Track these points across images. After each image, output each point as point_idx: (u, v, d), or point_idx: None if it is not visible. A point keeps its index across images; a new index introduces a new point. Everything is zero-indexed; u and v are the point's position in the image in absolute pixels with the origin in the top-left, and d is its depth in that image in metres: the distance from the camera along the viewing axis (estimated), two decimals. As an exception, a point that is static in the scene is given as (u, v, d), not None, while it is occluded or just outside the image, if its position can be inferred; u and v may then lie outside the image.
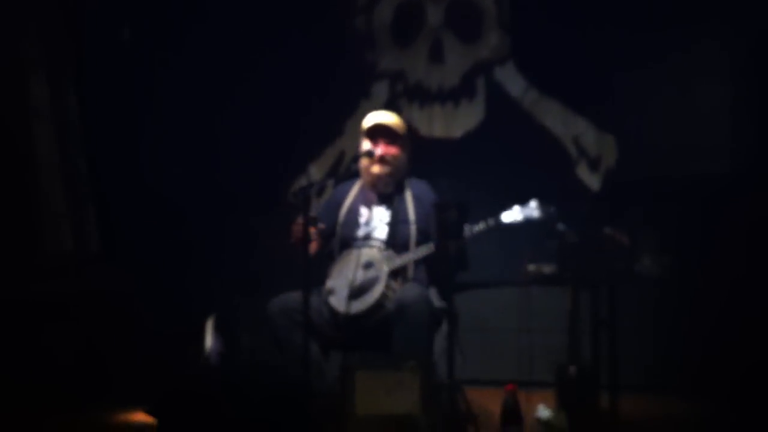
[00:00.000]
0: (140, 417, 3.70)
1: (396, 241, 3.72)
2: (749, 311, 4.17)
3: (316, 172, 5.04)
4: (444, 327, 3.52)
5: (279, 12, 4.93)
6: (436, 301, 3.61)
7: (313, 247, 3.70)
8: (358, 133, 3.89)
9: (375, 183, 3.81)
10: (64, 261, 4.50)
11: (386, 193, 3.82)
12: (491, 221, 3.61)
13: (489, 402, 3.79)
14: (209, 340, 4.22)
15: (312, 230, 3.60)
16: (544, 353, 4.07)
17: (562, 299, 3.89)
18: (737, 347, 4.15)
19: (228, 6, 4.96)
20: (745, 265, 4.22)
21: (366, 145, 3.80)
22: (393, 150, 3.79)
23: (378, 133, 3.79)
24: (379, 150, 3.77)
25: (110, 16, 4.88)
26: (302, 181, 4.95)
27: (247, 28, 4.97)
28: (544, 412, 3.86)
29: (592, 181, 4.71)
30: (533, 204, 3.62)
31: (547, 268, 3.65)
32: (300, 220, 3.59)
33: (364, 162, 3.81)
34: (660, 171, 4.48)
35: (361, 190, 3.88)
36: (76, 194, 4.63)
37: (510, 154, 4.71)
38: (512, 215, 3.63)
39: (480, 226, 3.60)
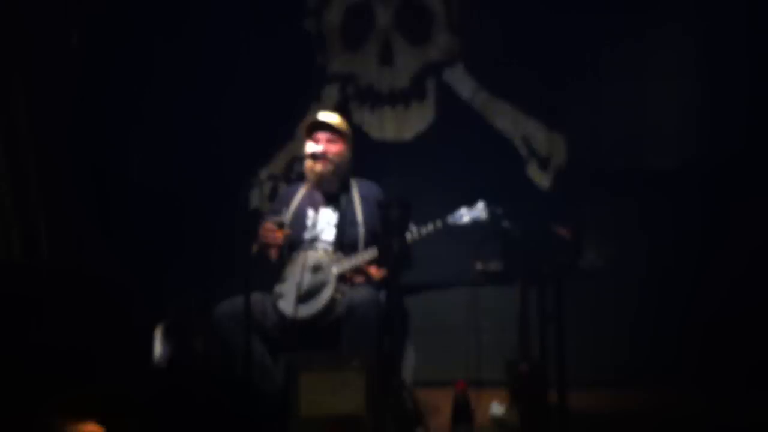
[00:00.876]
0: (90, 428, 3.66)
1: (344, 242, 3.72)
2: (696, 302, 4.22)
3: (265, 178, 5.02)
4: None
5: (229, 15, 4.91)
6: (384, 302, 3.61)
7: (275, 253, 3.71)
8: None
9: (319, 181, 3.80)
10: (12, 269, 4.43)
11: (333, 194, 3.81)
12: (438, 223, 3.62)
13: (440, 402, 3.81)
14: (158, 347, 4.20)
15: (279, 235, 3.64)
16: (494, 352, 4.09)
17: (511, 297, 3.92)
18: (684, 339, 4.20)
19: (180, 9, 4.92)
20: (693, 257, 4.28)
21: (310, 146, 3.80)
22: (334, 148, 3.79)
23: (319, 131, 3.80)
24: (321, 147, 3.78)
25: (59, 20, 4.82)
26: (257, 191, 4.92)
27: (199, 31, 4.93)
28: (497, 409, 3.89)
29: (542, 180, 4.75)
30: (480, 205, 3.64)
31: (494, 265, 3.67)
32: (268, 225, 3.61)
33: (308, 163, 3.80)
34: (608, 167, 4.53)
35: (308, 192, 3.87)
36: (26, 202, 4.56)
37: (461, 155, 4.73)
38: (459, 217, 3.65)
39: (428, 228, 3.61)
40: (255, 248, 3.74)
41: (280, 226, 3.67)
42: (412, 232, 3.56)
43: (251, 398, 3.27)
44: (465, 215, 3.64)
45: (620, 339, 4.44)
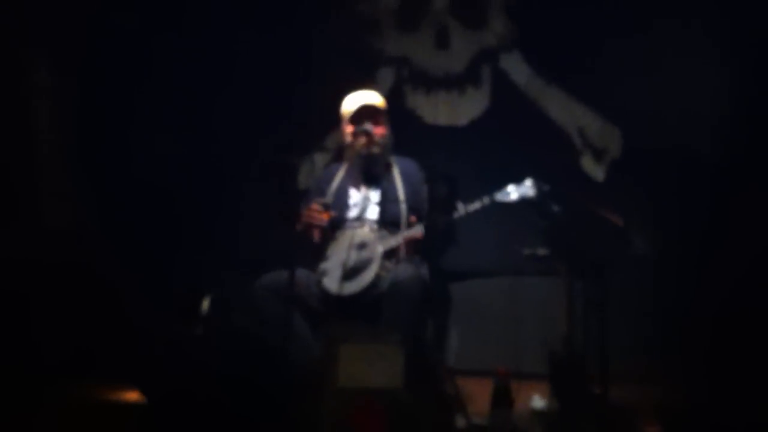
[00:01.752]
0: (132, 395, 3.70)
1: (387, 220, 3.70)
2: (747, 299, 4.11)
3: (321, 159, 5.03)
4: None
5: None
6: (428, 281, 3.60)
7: (318, 234, 3.72)
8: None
9: (366, 164, 3.79)
10: (60, 237, 4.51)
11: (375, 173, 3.80)
12: (486, 199, 3.59)
13: (480, 390, 3.77)
14: (203, 319, 4.23)
15: (325, 216, 3.65)
16: (536, 343, 4.04)
17: (555, 288, 3.87)
18: (730, 335, 4.09)
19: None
20: (743, 250, 4.16)
21: (352, 127, 3.79)
22: (380, 129, 3.79)
23: (363, 114, 3.79)
24: (368, 129, 3.76)
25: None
26: (307, 167, 4.94)
27: (252, 13, 4.96)
28: (538, 402, 3.84)
29: (596, 172, 4.67)
30: (528, 182, 3.60)
31: (542, 251, 3.63)
32: (314, 206, 3.64)
33: (350, 143, 3.80)
34: (662, 158, 4.44)
35: (348, 172, 3.87)
36: (73, 174, 4.64)
37: (514, 143, 4.68)
38: (506, 193, 3.61)
39: (475, 205, 3.58)
40: (299, 227, 3.76)
41: (326, 207, 3.68)
42: (459, 209, 3.53)
43: (287, 369, 3.28)
44: (513, 192, 3.60)
45: (664, 332, 4.34)
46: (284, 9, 4.92)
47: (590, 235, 3.54)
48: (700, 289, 4.25)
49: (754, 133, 4.32)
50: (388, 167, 3.82)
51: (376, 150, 3.76)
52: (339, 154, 4.88)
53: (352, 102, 3.84)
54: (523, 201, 3.58)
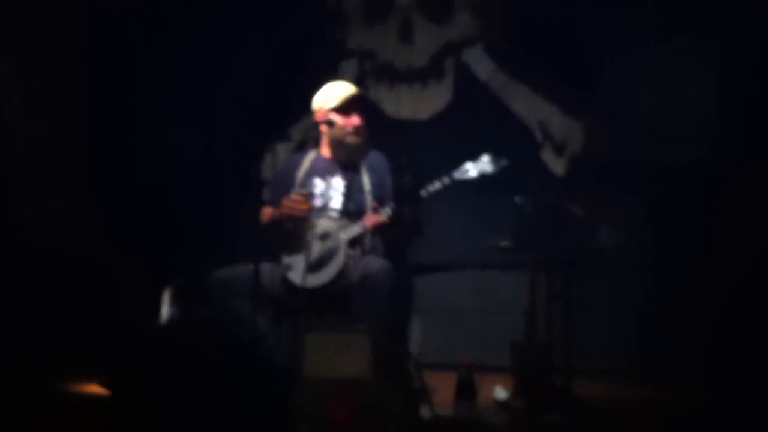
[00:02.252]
0: (94, 388, 3.65)
1: (351, 209, 3.69)
2: (710, 295, 4.18)
3: (283, 150, 5.00)
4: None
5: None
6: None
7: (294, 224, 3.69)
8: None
9: (350, 154, 3.77)
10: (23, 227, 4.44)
11: (355, 163, 3.79)
12: (445, 179, 3.59)
13: (444, 383, 3.77)
14: (165, 311, 4.18)
15: (305, 207, 3.63)
16: (500, 336, 4.07)
17: (519, 282, 3.89)
18: (697, 331, 4.16)
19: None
20: (702, 253, 4.24)
21: (336, 117, 3.77)
22: (363, 120, 3.78)
23: (353, 103, 3.77)
24: (356, 121, 3.75)
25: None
26: (268, 159, 4.90)
27: (214, 5, 4.92)
28: (501, 393, 3.87)
29: (556, 165, 4.71)
30: (485, 158, 3.60)
31: (504, 242, 3.64)
32: (295, 196, 3.61)
33: (330, 132, 3.78)
34: (623, 156, 4.49)
35: (314, 162, 3.85)
36: (46, 162, 4.57)
37: (477, 136, 4.69)
38: (465, 171, 3.61)
39: (435, 185, 3.58)
40: (267, 218, 3.73)
41: (307, 197, 3.65)
42: (421, 193, 3.53)
43: (252, 362, 3.26)
44: (471, 169, 3.60)
45: (626, 328, 4.40)
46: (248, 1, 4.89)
47: (553, 227, 3.56)
48: (664, 283, 4.31)
49: (725, 130, 4.40)
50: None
51: (357, 141, 3.75)
52: (303, 143, 4.88)
53: (336, 92, 3.81)
54: (481, 177, 3.57)
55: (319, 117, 3.81)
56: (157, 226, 4.75)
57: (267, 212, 3.78)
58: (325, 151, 3.85)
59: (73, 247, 4.53)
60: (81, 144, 4.76)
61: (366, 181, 3.75)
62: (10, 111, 4.50)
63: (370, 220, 3.59)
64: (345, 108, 3.77)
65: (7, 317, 4.15)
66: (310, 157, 3.87)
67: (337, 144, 3.79)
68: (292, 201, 3.63)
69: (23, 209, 4.51)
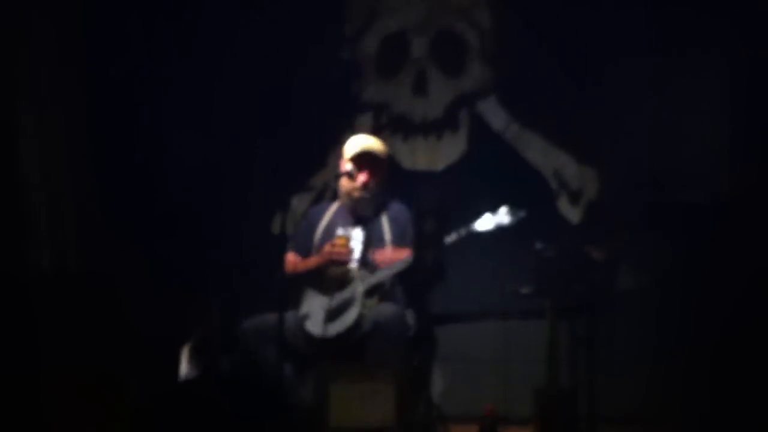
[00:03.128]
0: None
1: (370, 260, 3.71)
2: (736, 337, 4.14)
3: (298, 204, 5.03)
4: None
5: (263, 40, 4.96)
6: (411, 320, 3.59)
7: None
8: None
9: (355, 206, 3.83)
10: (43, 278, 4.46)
11: (361, 215, 3.83)
12: (462, 230, 3.61)
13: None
14: (185, 367, 4.18)
15: (349, 251, 3.68)
16: (522, 386, 4.05)
17: (541, 330, 3.88)
18: (723, 376, 4.11)
19: (214, 32, 4.99)
20: (731, 289, 4.21)
21: (348, 166, 3.82)
22: (377, 177, 3.82)
23: (363, 159, 3.82)
24: (363, 177, 3.79)
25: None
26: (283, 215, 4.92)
27: (234, 53, 4.99)
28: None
29: (572, 214, 4.73)
30: (503, 210, 3.63)
31: (525, 289, 3.65)
32: (337, 240, 3.68)
33: (344, 183, 3.83)
34: (639, 200, 4.50)
35: (337, 212, 3.90)
36: (59, 212, 4.60)
37: (492, 186, 4.72)
38: (483, 223, 3.63)
39: (452, 237, 3.60)
40: (303, 265, 3.77)
41: (347, 243, 3.70)
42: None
43: (279, 413, 3.24)
44: (488, 221, 3.62)
45: (651, 374, 4.36)
46: (264, 53, 4.95)
47: (574, 271, 3.57)
48: (689, 324, 4.28)
49: (737, 169, 4.41)
50: (378, 210, 3.84)
51: (361, 194, 3.79)
52: (322, 193, 4.92)
53: (353, 145, 3.87)
54: (499, 229, 3.59)
55: (341, 167, 3.87)
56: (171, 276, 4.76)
57: (294, 260, 3.81)
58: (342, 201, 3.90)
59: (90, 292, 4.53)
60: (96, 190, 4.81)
61: (387, 230, 3.78)
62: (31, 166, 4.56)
63: (381, 255, 3.63)
64: (356, 161, 3.82)
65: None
66: (332, 208, 3.92)
67: (345, 196, 3.85)
68: (336, 246, 3.67)
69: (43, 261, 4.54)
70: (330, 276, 3.68)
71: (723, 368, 4.08)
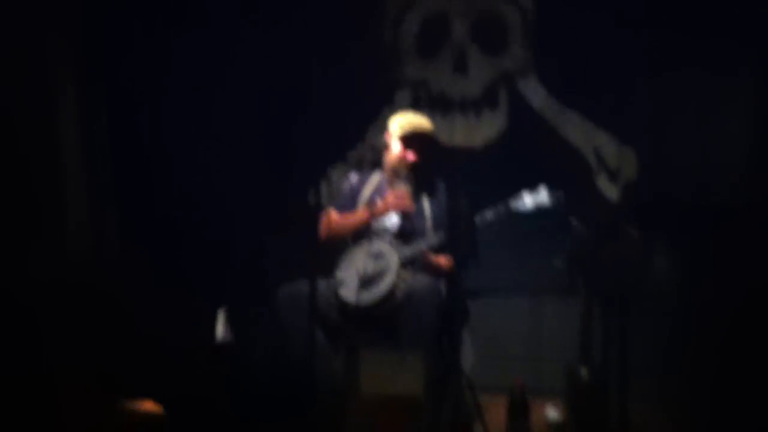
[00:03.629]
0: (148, 406, 3.72)
1: (407, 232, 3.75)
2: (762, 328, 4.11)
3: (337, 177, 5.08)
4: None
5: (309, 16, 5.01)
6: (445, 293, 3.63)
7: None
8: (383, 134, 3.99)
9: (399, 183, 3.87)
10: (84, 267, 4.56)
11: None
12: (501, 208, 3.64)
13: (497, 404, 3.78)
14: (221, 331, 4.26)
15: (411, 203, 3.72)
16: (554, 363, 4.06)
17: (575, 307, 3.89)
18: (748, 363, 4.08)
19: (255, 5, 5.04)
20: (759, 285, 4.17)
21: (396, 145, 3.85)
22: (424, 157, 3.85)
23: (414, 139, 3.85)
24: (411, 157, 3.83)
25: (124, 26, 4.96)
26: (323, 187, 4.99)
27: (280, 32, 5.05)
28: (553, 413, 3.85)
29: (611, 192, 4.72)
30: (543, 191, 3.64)
31: (559, 263, 3.66)
32: (401, 192, 3.76)
33: (391, 159, 3.87)
34: (674, 191, 4.48)
35: (380, 184, 3.94)
36: (99, 201, 4.71)
37: (531, 164, 4.73)
38: (521, 202, 3.65)
39: (490, 214, 3.63)
40: (334, 224, 3.83)
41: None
42: (477, 222, 3.59)
43: (310, 381, 3.30)
44: (527, 200, 3.64)
45: (682, 355, 4.35)
46: (308, 30, 5.00)
47: (609, 248, 3.57)
48: (721, 312, 4.25)
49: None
50: (420, 189, 3.88)
51: (411, 176, 3.84)
52: (359, 165, 4.96)
53: (404, 122, 3.90)
54: (538, 209, 3.61)
55: (386, 139, 3.91)
56: (202, 248, 4.84)
57: (337, 216, 3.86)
58: (386, 174, 3.94)
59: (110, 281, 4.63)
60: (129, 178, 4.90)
61: (426, 206, 3.82)
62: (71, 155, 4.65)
63: (444, 262, 3.67)
64: (406, 140, 3.85)
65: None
66: (374, 180, 3.96)
67: (391, 171, 3.89)
68: (400, 197, 3.73)
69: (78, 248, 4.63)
70: (368, 244, 3.72)
71: (749, 352, 4.06)
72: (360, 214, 3.84)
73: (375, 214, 3.78)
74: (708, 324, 4.31)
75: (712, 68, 4.54)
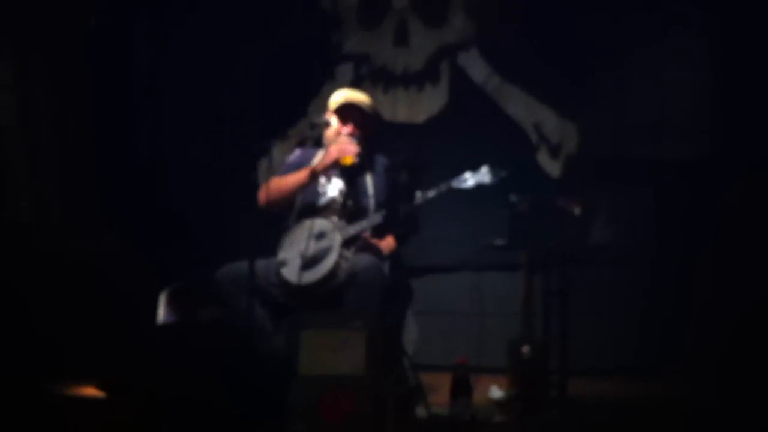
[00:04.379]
0: (91, 391, 3.65)
1: (350, 210, 3.71)
2: (704, 293, 4.19)
3: (279, 153, 5.02)
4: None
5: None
6: (387, 271, 3.61)
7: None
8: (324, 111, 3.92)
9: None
10: (22, 230, 4.46)
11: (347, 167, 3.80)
12: (443, 186, 3.62)
13: (440, 383, 3.78)
14: (162, 312, 4.20)
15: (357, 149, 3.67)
16: (497, 338, 4.08)
17: (516, 283, 3.90)
18: (690, 328, 4.17)
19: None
20: (700, 248, 4.25)
21: (333, 120, 3.79)
22: (364, 130, 3.79)
23: (347, 111, 3.80)
24: (347, 129, 3.77)
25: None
26: (264, 163, 4.93)
27: (214, 8, 4.95)
28: (496, 392, 3.88)
29: (552, 167, 4.74)
30: (484, 169, 3.63)
31: (500, 241, 3.66)
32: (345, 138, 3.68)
33: (329, 134, 3.81)
34: (625, 152, 4.52)
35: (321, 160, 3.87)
36: (38, 165, 4.60)
37: (472, 139, 4.73)
38: (463, 180, 3.64)
39: (432, 191, 3.61)
40: (278, 184, 3.74)
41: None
42: (417, 197, 3.57)
43: (252, 361, 3.27)
44: (469, 179, 3.63)
45: (624, 326, 4.41)
46: (247, 4, 4.91)
47: (548, 223, 3.58)
48: (659, 280, 4.33)
49: (722, 126, 4.42)
50: (362, 163, 3.78)
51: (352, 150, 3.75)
52: (301, 143, 4.90)
53: (337, 96, 3.84)
54: (479, 187, 3.60)
55: (327, 118, 3.84)
56: (155, 225, 4.78)
57: (280, 179, 3.79)
58: None
59: (71, 248, 4.54)
60: (82, 144, 4.80)
61: (369, 183, 3.77)
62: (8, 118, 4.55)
63: (386, 245, 3.63)
64: (341, 113, 3.80)
65: (7, 320, 4.16)
66: (318, 156, 3.88)
67: (328, 146, 3.82)
68: (343, 143, 3.66)
69: (22, 212, 4.54)
70: (308, 224, 3.67)
71: (694, 321, 4.13)
72: (301, 172, 3.75)
73: (318, 170, 3.70)
74: (651, 296, 4.39)
75: (660, 28, 4.58)
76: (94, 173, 4.83)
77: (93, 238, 4.63)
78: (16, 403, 3.50)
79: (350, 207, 3.72)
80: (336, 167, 3.77)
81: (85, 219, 4.73)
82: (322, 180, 3.80)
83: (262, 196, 3.77)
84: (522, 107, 4.81)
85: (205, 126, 4.92)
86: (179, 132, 4.94)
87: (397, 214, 3.31)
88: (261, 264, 3.56)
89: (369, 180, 3.79)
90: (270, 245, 3.72)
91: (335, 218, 3.70)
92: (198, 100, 4.92)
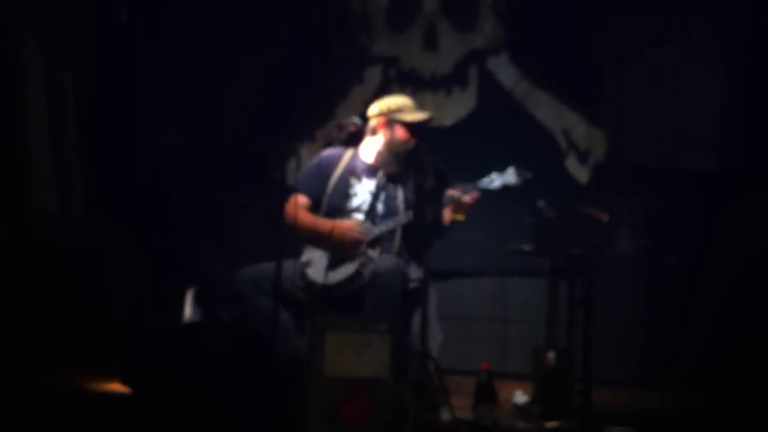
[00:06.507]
0: (116, 386, 3.67)
1: (378, 213, 3.70)
2: (728, 306, 4.15)
3: (307, 154, 5.02)
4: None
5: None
6: (414, 274, 3.60)
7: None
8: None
9: (393, 166, 3.76)
10: (48, 222, 4.50)
11: (376, 169, 3.79)
12: (469, 187, 3.62)
13: (463, 387, 3.77)
14: (188, 311, 4.22)
15: (361, 240, 3.62)
16: (520, 344, 4.08)
17: (539, 289, 3.89)
18: (715, 342, 4.14)
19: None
20: (726, 260, 4.22)
21: (401, 130, 3.73)
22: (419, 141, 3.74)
23: (418, 126, 3.74)
24: (413, 142, 3.72)
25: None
26: (292, 164, 4.93)
27: (243, 8, 4.97)
28: (521, 397, 3.87)
29: (580, 173, 4.73)
30: (510, 170, 3.62)
31: (526, 246, 3.65)
32: (357, 227, 3.63)
33: (393, 143, 3.73)
34: (647, 162, 4.50)
35: (350, 161, 3.85)
36: (63, 158, 4.64)
37: (499, 144, 4.71)
38: (490, 181, 3.63)
39: (458, 193, 3.60)
40: (299, 217, 3.70)
41: (366, 236, 3.63)
42: (445, 199, 3.58)
43: (272, 361, 3.28)
44: (495, 179, 3.63)
45: (648, 336, 4.39)
46: (275, 8, 4.92)
47: (574, 230, 3.56)
48: (688, 292, 4.30)
49: (748, 142, 4.39)
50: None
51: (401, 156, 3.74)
52: (328, 145, 4.89)
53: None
54: (505, 188, 3.58)
55: (381, 121, 3.78)
56: (175, 221, 4.80)
57: (304, 208, 3.74)
58: (365, 154, 3.83)
59: (96, 241, 4.58)
60: (106, 138, 4.84)
61: (398, 187, 3.76)
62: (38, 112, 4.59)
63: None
64: (413, 128, 3.74)
65: (32, 312, 4.19)
66: (346, 157, 3.87)
67: (390, 153, 3.75)
68: (351, 230, 3.62)
69: (49, 205, 4.57)
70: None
71: (718, 331, 4.10)
72: (326, 225, 3.68)
73: (334, 233, 3.66)
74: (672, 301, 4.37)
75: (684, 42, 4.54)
76: (117, 168, 4.85)
77: (116, 233, 4.67)
78: (34, 397, 3.55)
79: (377, 208, 3.73)
80: (370, 167, 3.77)
81: (109, 213, 4.76)
82: (353, 181, 3.79)
83: (289, 218, 3.72)
84: (550, 113, 4.80)
85: (233, 126, 4.93)
86: (205, 132, 4.95)
87: (424, 218, 3.30)
88: (285, 264, 3.53)
89: (398, 184, 3.78)
90: (290, 248, 3.74)
91: (361, 219, 3.70)
92: (226, 100, 4.93)
